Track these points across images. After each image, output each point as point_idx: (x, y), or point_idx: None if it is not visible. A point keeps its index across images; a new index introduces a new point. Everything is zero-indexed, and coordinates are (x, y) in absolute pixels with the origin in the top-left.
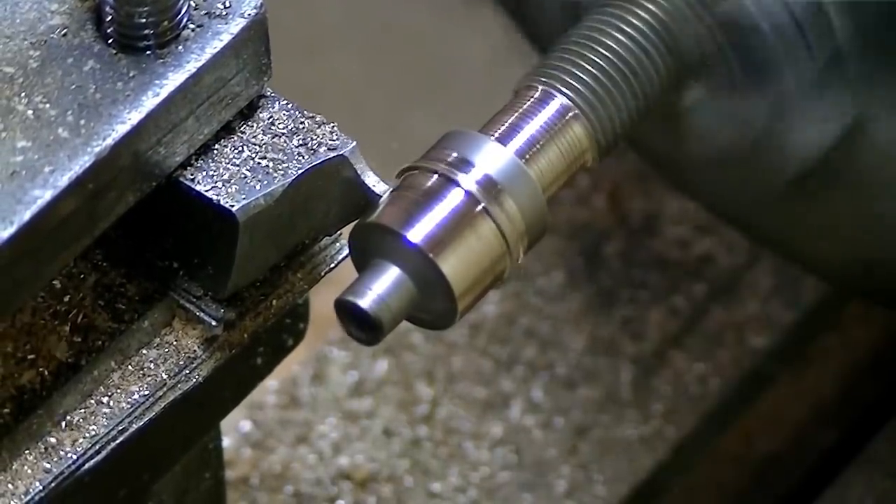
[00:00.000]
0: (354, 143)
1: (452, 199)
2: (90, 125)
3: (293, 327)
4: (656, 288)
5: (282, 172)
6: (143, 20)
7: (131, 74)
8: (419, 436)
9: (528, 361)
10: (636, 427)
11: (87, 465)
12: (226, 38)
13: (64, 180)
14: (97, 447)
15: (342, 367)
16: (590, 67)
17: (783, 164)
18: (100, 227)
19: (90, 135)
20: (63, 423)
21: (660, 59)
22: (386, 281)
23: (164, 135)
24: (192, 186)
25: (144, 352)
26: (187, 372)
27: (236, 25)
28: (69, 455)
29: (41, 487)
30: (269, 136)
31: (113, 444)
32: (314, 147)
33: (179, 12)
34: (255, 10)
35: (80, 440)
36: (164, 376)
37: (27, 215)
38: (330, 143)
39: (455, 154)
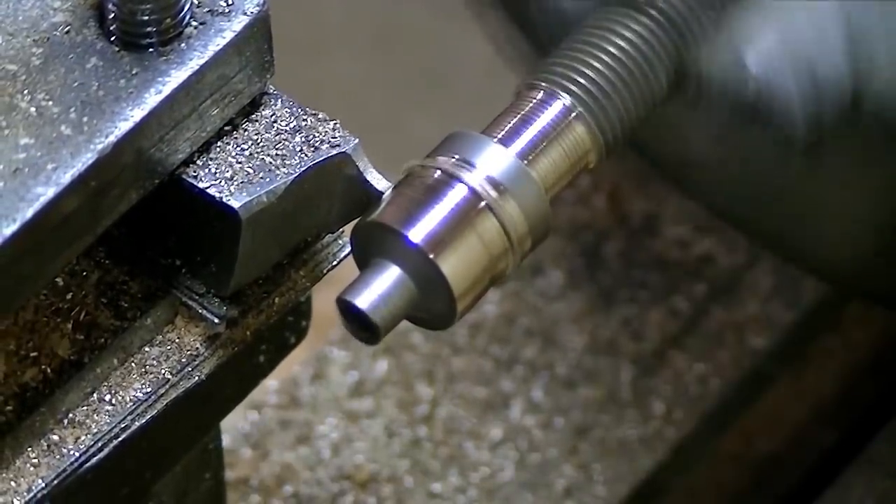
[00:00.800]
0: (357, 140)
1: (454, 200)
2: (93, 122)
3: (296, 325)
4: (656, 288)
5: (285, 170)
6: (146, 17)
7: (134, 72)
8: (419, 436)
9: (528, 361)
10: (636, 427)
11: (89, 463)
12: (228, 35)
13: (67, 177)
14: (100, 445)
15: (342, 367)
16: (592, 68)
17: (783, 163)
18: (102, 224)
19: (93, 132)
20: (66, 421)
21: (662, 61)
22: (386, 280)
23: (166, 132)
24: (195, 184)
25: (147, 349)
26: (190, 369)
27: (239, 23)
28: (72, 452)
29: (44, 485)
30: (272, 133)
31: (115, 442)
32: (317, 144)
33: (182, 9)
34: (257, 8)
35: (83, 438)
36: (167, 374)
37: (30, 212)
38: (332, 140)
39: (457, 155)
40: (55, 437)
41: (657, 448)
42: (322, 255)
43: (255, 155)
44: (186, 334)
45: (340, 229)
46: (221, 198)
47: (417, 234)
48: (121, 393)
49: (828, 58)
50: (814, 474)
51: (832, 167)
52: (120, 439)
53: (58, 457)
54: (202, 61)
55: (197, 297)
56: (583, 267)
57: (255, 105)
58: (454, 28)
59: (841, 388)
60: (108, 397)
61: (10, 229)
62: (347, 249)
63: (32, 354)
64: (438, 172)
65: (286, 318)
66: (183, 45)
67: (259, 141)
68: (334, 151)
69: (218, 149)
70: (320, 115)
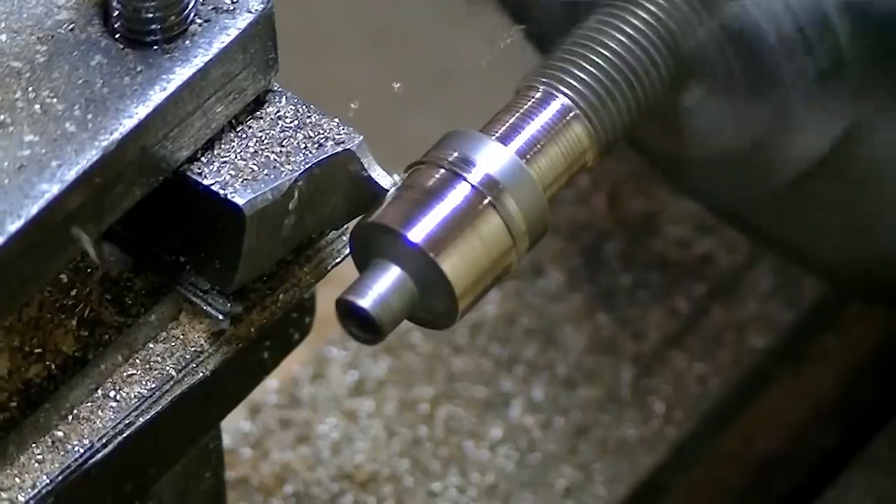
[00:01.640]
0: (361, 137)
1: (453, 199)
2: (97, 120)
3: (299, 321)
4: (656, 288)
5: (289, 167)
6: (151, 15)
7: (138, 69)
8: (419, 436)
9: (528, 361)
10: (636, 427)
11: (93, 459)
12: (233, 32)
13: (71, 174)
14: (104, 441)
15: (342, 367)
16: (591, 68)
17: (783, 164)
18: (107, 221)
19: (97, 129)
20: (70, 417)
21: (661, 60)
22: (387, 281)
23: (171, 129)
24: (199, 181)
25: (151, 346)
26: (194, 366)
27: (243, 20)
28: (76, 449)
29: (48, 481)
30: (276, 130)
31: (120, 438)
32: (321, 141)
33: (186, 7)
34: (262, 5)
35: (87, 434)
36: (171, 370)
37: (34, 209)
38: (337, 137)
39: (456, 154)
40: (60, 434)
41: (657, 448)
42: (326, 251)
43: (260, 152)
44: (191, 331)
45: (345, 226)
46: (226, 195)
47: (417, 234)
48: (125, 389)
49: None
50: (814, 474)
51: (832, 168)
52: (124, 436)
53: (62, 453)
54: (207, 59)
55: (201, 294)
56: (583, 267)
57: (259, 102)
58: (454, 28)
59: (841, 388)
60: (112, 394)
61: (14, 226)
62: None
63: (37, 351)
64: (437, 172)
65: (290, 315)
66: (187, 42)
67: (263, 138)
68: (339, 148)
69: (222, 146)
70: (324, 113)
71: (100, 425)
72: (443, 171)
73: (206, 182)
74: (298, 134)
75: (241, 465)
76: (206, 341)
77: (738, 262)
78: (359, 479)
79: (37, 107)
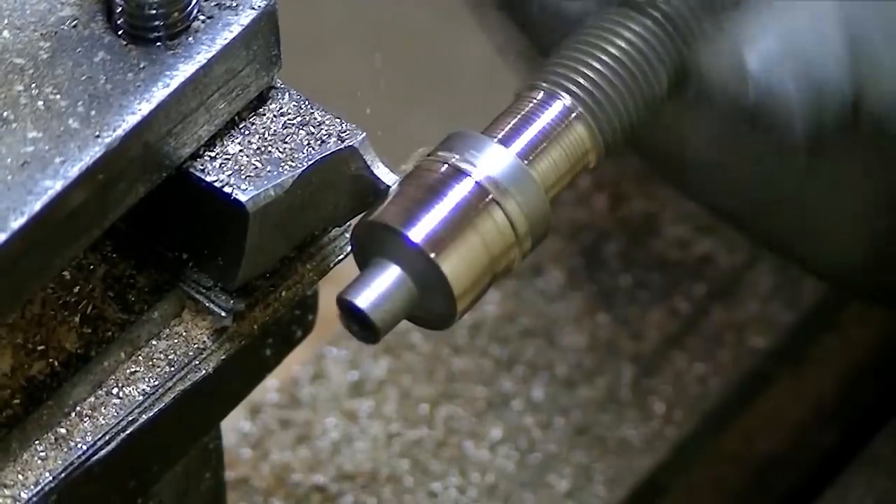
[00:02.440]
0: (364, 134)
1: (454, 199)
2: (101, 116)
3: (302, 318)
4: (656, 288)
5: (292, 163)
6: (154, 11)
7: (142, 65)
8: (419, 436)
9: (528, 361)
10: (636, 427)
11: (96, 456)
12: (236, 29)
13: (74, 171)
14: (107, 438)
15: (342, 367)
16: (592, 69)
17: (784, 164)
18: (110, 218)
19: (101, 125)
20: (73, 414)
21: (662, 61)
22: (386, 280)
23: (174, 126)
24: (202, 177)
25: (154, 343)
26: (197, 363)
27: (247, 16)
28: (79, 446)
29: (51, 478)
30: (279, 127)
31: (123, 435)
32: (324, 138)
33: (190, 3)
34: (265, 2)
35: (90, 431)
36: (174, 367)
37: (38, 206)
38: (340, 134)
39: (458, 155)
40: (62, 431)
41: (657, 448)
42: (329, 248)
43: (263, 149)
44: (193, 328)
45: (347, 223)
46: (229, 191)
47: (418, 233)
48: (128, 386)
49: (828, 60)
50: (814, 474)
51: (832, 169)
52: (127, 432)
53: (65, 450)
54: (210, 55)
55: (204, 291)
56: (583, 267)
57: (262, 99)
58: (454, 28)
59: (841, 388)
60: (115, 391)
61: (17, 222)
62: None
63: (40, 348)
64: (439, 172)
65: (293, 312)
66: (190, 38)
67: (266, 135)
68: (342, 145)
69: (225, 142)
70: (327, 110)
71: (102, 422)
72: (445, 171)
73: (208, 179)
74: (301, 131)
75: (241, 465)
76: (208, 338)
77: (738, 262)
78: (359, 479)
79: (40, 103)
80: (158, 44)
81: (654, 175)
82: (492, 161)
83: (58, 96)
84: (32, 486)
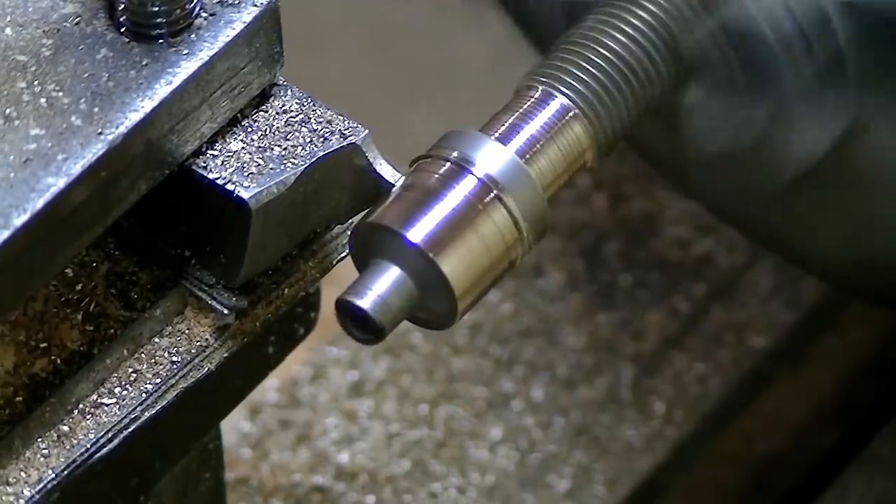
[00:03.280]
0: (367, 131)
1: (453, 199)
2: (103, 113)
3: (304, 316)
4: (656, 288)
5: (294, 160)
6: (156, 9)
7: (144, 63)
8: (419, 436)
9: (528, 361)
10: (636, 427)
11: (99, 454)
12: (238, 26)
13: (77, 168)
14: (109, 435)
15: (342, 367)
16: (590, 67)
17: (783, 164)
18: (112, 215)
19: (103, 123)
20: (75, 412)
21: (660, 60)
22: (386, 281)
23: (176, 123)
24: (205, 174)
25: (157, 340)
26: (199, 360)
27: (249, 14)
28: (81, 443)
29: (54, 475)
30: (282, 124)
31: (125, 433)
32: (326, 135)
33: (192, 1)
34: None
35: (93, 428)
36: (177, 365)
37: (40, 203)
38: (342, 131)
39: (456, 154)
40: (65, 428)
41: (657, 448)
42: (331, 246)
43: (265, 146)
44: (196, 325)
45: (350, 220)
46: (231, 189)
47: (417, 234)
48: (130, 384)
49: None
50: (814, 474)
51: (832, 168)
52: (130, 430)
53: (68, 447)
54: (212, 52)
55: (206, 288)
56: (583, 267)
57: (264, 96)
58: (454, 28)
59: (841, 388)
60: (117, 388)
61: (20, 219)
62: None
63: (42, 345)
64: (437, 172)
65: (295, 310)
66: (193, 35)
67: (269, 132)
68: (344, 142)
69: (228, 140)
70: (329, 107)
71: (105, 420)
72: (443, 171)
73: (211, 176)
74: (304, 128)
75: (241, 465)
76: (211, 336)
77: (738, 262)
78: (359, 480)
79: (42, 100)
80: (161, 41)
81: (654, 175)
82: (490, 159)
83: (60, 93)
84: (35, 484)
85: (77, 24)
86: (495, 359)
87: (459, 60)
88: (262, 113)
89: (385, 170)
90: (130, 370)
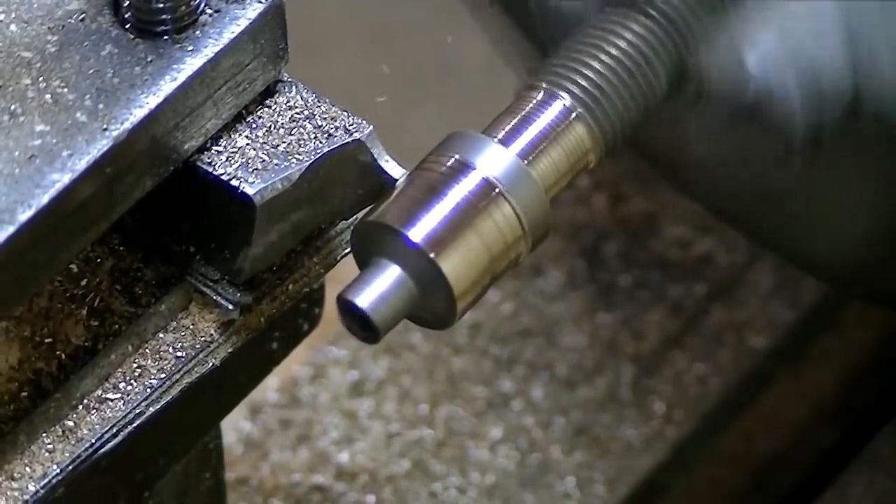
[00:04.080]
0: (371, 127)
1: (454, 199)
2: (108, 109)
3: (309, 312)
4: (656, 288)
5: (299, 157)
6: (161, 5)
7: (149, 59)
8: (419, 436)
9: (528, 361)
10: (636, 427)
11: (104, 449)
12: (243, 23)
13: (82, 164)
14: (114, 431)
15: (342, 367)
16: (592, 69)
17: (783, 164)
18: (117, 211)
19: (108, 119)
20: (80, 407)
21: (662, 61)
22: (386, 280)
23: (181, 119)
24: (210, 170)
25: (161, 336)
26: (204, 356)
27: (254, 10)
28: (86, 439)
29: (58, 470)
30: (287, 120)
31: (130, 428)
32: (331, 131)
33: None
34: None
35: (98, 423)
36: (181, 360)
37: (45, 199)
38: (347, 127)
39: (458, 155)
40: (70, 423)
41: (657, 448)
42: (336, 241)
43: (270, 142)
44: (200, 321)
45: (354, 216)
46: (236, 184)
47: (417, 233)
48: (135, 379)
49: (828, 58)
50: (814, 474)
51: (832, 168)
52: (134, 425)
53: (72, 442)
54: (217, 49)
55: (211, 284)
56: (583, 267)
57: (269, 92)
58: (454, 28)
59: (841, 388)
60: (122, 384)
61: (25, 215)
62: None
63: (47, 341)
64: (439, 172)
65: (299, 305)
66: (198, 32)
67: (274, 128)
68: (349, 138)
69: (233, 136)
70: (334, 103)
71: (110, 415)
72: (445, 171)
73: (216, 172)
74: (308, 124)
75: (241, 465)
76: (215, 331)
77: (738, 262)
78: (359, 479)
79: (47, 97)
80: (166, 37)
81: (654, 175)
82: (492, 161)
83: (65, 90)
84: (40, 479)
85: (82, 20)
86: (495, 359)
87: (459, 60)
88: (266, 109)
89: (390, 166)
90: (135, 366)
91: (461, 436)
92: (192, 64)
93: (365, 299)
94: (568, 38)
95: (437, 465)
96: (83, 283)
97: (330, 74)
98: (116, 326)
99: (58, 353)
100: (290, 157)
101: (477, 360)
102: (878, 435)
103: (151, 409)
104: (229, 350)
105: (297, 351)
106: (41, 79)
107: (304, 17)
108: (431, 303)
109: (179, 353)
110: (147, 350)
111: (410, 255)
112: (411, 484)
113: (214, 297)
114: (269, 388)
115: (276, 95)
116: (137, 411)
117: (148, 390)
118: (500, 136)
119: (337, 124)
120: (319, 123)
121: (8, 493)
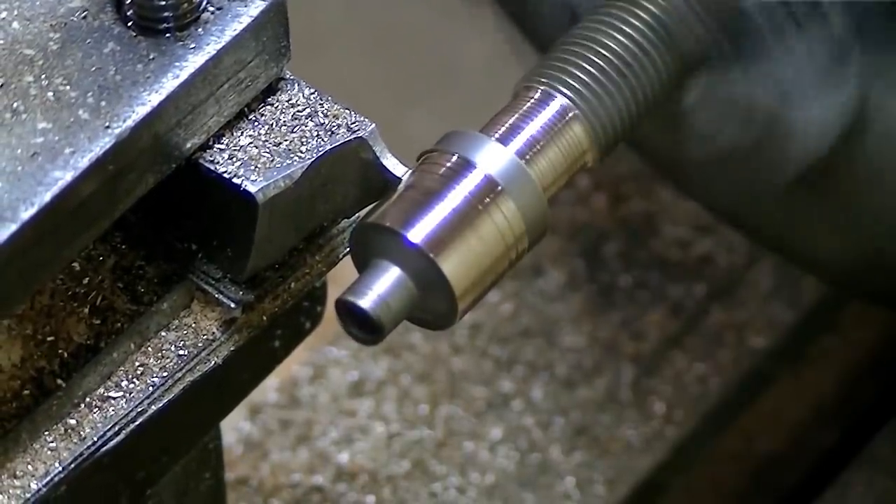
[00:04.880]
0: (374, 125)
1: (453, 200)
2: (110, 107)
3: (311, 310)
4: (656, 288)
5: (301, 154)
6: (163, 2)
7: (151, 56)
8: (419, 436)
9: (528, 361)
10: (636, 427)
11: (106, 447)
12: (245, 20)
13: (84, 162)
14: (116, 429)
15: (342, 367)
16: (590, 67)
17: (783, 163)
18: (119, 208)
19: (110, 116)
20: (82, 405)
21: (660, 59)
22: (386, 281)
23: (183, 116)
24: (212, 168)
25: (163, 334)
26: (206, 354)
27: (256, 8)
28: (88, 436)
29: (61, 469)
30: (289, 118)
31: (132, 426)
32: (333, 129)
33: None
34: None
35: (100, 422)
36: (183, 358)
37: (48, 196)
38: (349, 125)
39: (456, 154)
40: (72, 421)
41: (657, 448)
42: (338, 240)
43: (272, 140)
44: (203, 319)
45: (356, 214)
46: (238, 182)
47: (417, 234)
48: (137, 377)
49: None
50: (814, 474)
51: (832, 169)
52: (136, 423)
53: (75, 440)
54: (219, 46)
55: (213, 282)
56: (583, 267)
57: (271, 90)
58: (454, 28)
59: (841, 388)
60: (124, 382)
61: (28, 213)
62: None
63: (49, 339)
64: (438, 172)
65: (302, 303)
66: (200, 29)
67: (276, 126)
68: (351, 136)
69: (235, 133)
70: (336, 101)
71: (112, 413)
72: (443, 171)
73: (218, 170)
74: (310, 122)
75: (241, 465)
76: (218, 329)
77: (738, 262)
78: (359, 480)
79: (50, 94)
80: (168, 35)
81: (654, 175)
82: (490, 160)
83: (68, 87)
84: (42, 477)
85: (84, 17)
86: (495, 359)
87: (459, 60)
88: (269, 107)
89: (392, 164)
90: (137, 364)
91: (461, 436)
92: (194, 61)
93: (366, 301)
94: (565, 36)
95: (437, 466)
96: (85, 280)
97: (330, 75)
98: (118, 324)
99: (60, 351)
100: (292, 155)
101: (477, 360)
102: (878, 435)
103: (154, 408)
104: (231, 348)
105: (296, 351)
106: (43, 76)
107: (305, 18)
108: (432, 303)
109: (182, 352)
110: (149, 348)
111: (410, 256)
112: (411, 484)
113: (217, 295)
114: (269, 388)
115: (279, 93)
116: (140, 409)
117: (150, 388)
118: (497, 134)
119: (339, 122)
120: (322, 121)
121: (10, 490)
